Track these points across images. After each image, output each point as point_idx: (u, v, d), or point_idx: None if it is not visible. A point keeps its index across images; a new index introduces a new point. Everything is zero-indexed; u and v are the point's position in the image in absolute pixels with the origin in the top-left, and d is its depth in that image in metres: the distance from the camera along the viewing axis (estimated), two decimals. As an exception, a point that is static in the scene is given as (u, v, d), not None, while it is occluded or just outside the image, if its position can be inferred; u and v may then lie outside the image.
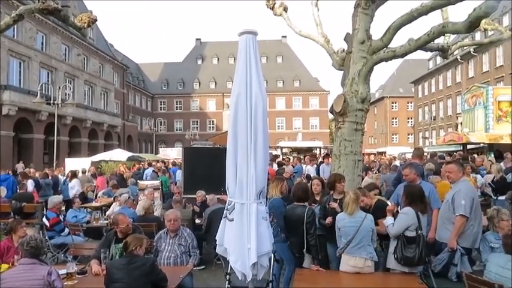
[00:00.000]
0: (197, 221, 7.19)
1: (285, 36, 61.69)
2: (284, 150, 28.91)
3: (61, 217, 7.35)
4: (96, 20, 7.75)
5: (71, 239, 6.78)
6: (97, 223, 7.60)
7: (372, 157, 20.44)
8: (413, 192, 4.29)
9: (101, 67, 36.44)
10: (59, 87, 20.51)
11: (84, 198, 10.61)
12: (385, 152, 36.32)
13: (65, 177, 12.56)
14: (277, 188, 4.94)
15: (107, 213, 8.14)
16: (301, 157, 16.44)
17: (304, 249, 4.32)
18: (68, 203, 9.61)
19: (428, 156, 12.84)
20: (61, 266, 4.19)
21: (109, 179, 13.23)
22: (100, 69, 36.30)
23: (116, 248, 4.30)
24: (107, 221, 7.36)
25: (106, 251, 4.26)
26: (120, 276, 3.41)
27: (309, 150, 27.06)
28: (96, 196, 11.43)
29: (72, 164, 17.46)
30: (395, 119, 57.75)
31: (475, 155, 14.71)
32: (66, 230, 7.00)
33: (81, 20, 7.55)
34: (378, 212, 4.56)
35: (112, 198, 9.55)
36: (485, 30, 8.76)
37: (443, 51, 7.61)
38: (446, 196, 4.65)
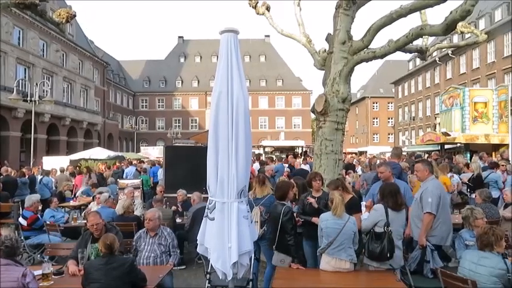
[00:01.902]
0: (178, 220, 7.14)
1: (268, 36, 61.82)
2: (267, 149, 29.00)
3: (38, 215, 7.18)
4: (75, 16, 7.59)
5: (48, 239, 6.63)
6: (75, 223, 7.44)
7: (349, 157, 20.70)
8: (385, 189, 4.38)
9: (80, 64, 35.65)
10: (37, 84, 19.95)
11: (62, 197, 10.38)
12: (366, 152, 36.87)
13: (41, 176, 12.25)
14: (268, 187, 5.03)
15: (85, 212, 7.99)
16: (283, 156, 16.55)
17: (274, 246, 4.34)
18: (45, 202, 9.37)
19: (407, 156, 13.14)
20: (37, 267, 4.09)
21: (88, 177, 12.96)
22: (80, 66, 35.51)
23: (92, 247, 4.24)
24: (85, 221, 7.21)
25: (83, 251, 4.18)
26: (98, 276, 3.36)
27: (292, 149, 27.24)
28: (74, 195, 11.20)
29: (50, 162, 17.05)
30: (376, 119, 58.73)
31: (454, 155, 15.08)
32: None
33: (60, 15, 7.38)
34: (351, 206, 4.61)
35: (91, 198, 9.38)
36: (462, 33, 8.99)
37: (421, 52, 7.77)
38: (415, 195, 4.79)
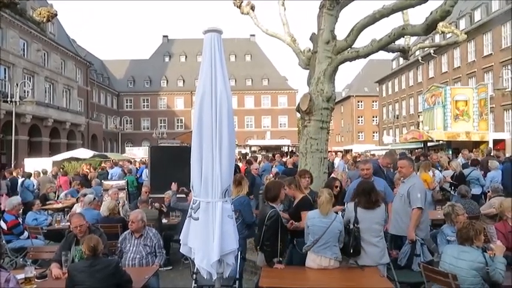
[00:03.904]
0: (164, 220, 7.10)
1: (254, 35, 61.77)
2: (253, 148, 29.07)
3: (20, 220, 7.03)
4: (56, 15, 7.48)
5: (31, 243, 6.50)
6: (58, 225, 7.32)
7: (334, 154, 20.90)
8: (359, 186, 4.49)
9: (62, 63, 34.99)
10: (17, 84, 19.55)
11: (45, 199, 10.19)
12: (351, 150, 37.26)
13: (23, 179, 11.99)
14: (245, 188, 5.02)
15: (69, 214, 7.86)
16: (270, 155, 16.61)
17: (258, 247, 4.33)
18: (26, 205, 9.18)
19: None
20: (20, 271, 4.02)
21: (72, 179, 12.78)
22: (62, 66, 34.85)
23: (76, 250, 4.18)
24: (69, 223, 7.10)
25: (67, 253, 4.11)
26: (82, 279, 3.32)
27: (278, 148, 27.36)
28: (57, 197, 11.01)
29: (32, 164, 16.70)
30: (361, 117, 59.43)
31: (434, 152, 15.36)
32: (26, 233, 6.71)
33: (40, 14, 7.26)
34: (303, 205, 4.66)
35: (75, 199, 9.23)
36: (443, 32, 9.18)
37: (404, 52, 7.91)
38: (400, 191, 4.84)
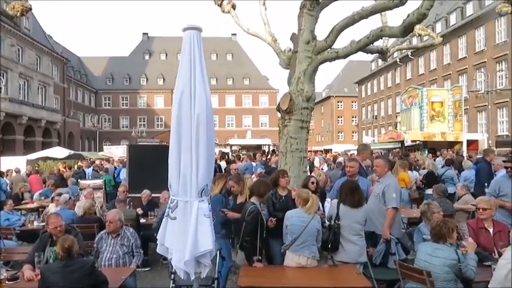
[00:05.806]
0: (142, 220, 7.00)
1: (235, 34, 61.56)
2: (234, 147, 29.03)
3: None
4: (30, 9, 7.27)
5: (2, 244, 6.27)
6: (32, 226, 7.10)
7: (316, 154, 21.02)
8: (343, 185, 4.61)
9: (38, 59, 33.99)
10: (-11, 80, 18.87)
11: (18, 199, 9.86)
12: (331, 149, 37.69)
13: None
14: (218, 187, 5.01)
15: (43, 213, 7.65)
16: (251, 154, 16.64)
17: (238, 245, 4.34)
18: (-2, 204, 8.86)
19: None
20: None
21: (47, 178, 12.42)
22: (37, 62, 33.85)
23: (51, 250, 4.06)
24: (43, 223, 6.90)
25: (40, 254, 3.98)
26: (56, 280, 3.23)
27: (259, 147, 27.42)
28: (32, 197, 10.67)
29: (5, 162, 16.14)
30: (341, 117, 60.27)
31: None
32: (-3, 234, 6.47)
33: (14, 8, 7.04)
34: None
35: (50, 199, 8.98)
36: (420, 35, 9.39)
37: (382, 53, 8.05)
38: (376, 190, 4.93)
